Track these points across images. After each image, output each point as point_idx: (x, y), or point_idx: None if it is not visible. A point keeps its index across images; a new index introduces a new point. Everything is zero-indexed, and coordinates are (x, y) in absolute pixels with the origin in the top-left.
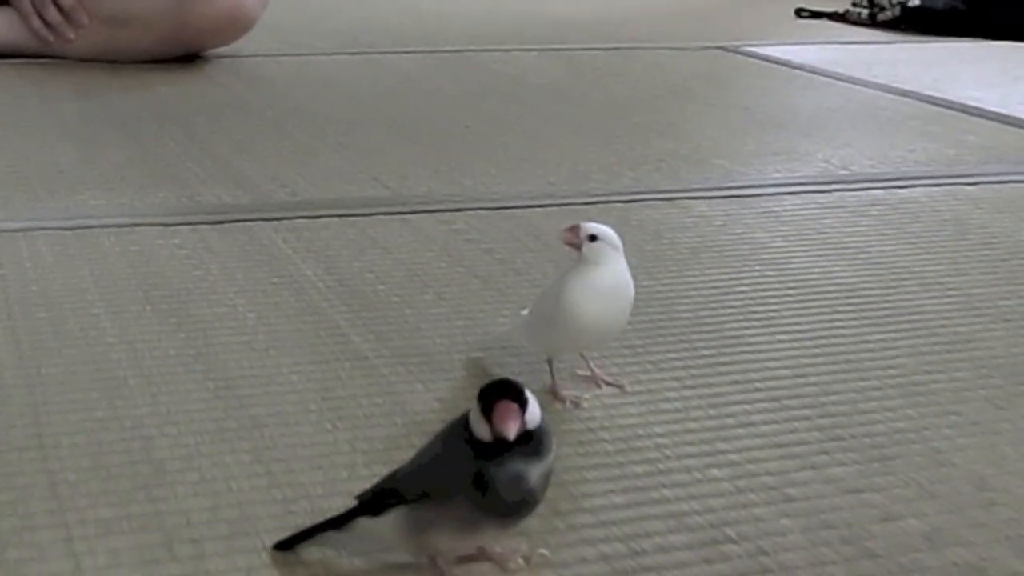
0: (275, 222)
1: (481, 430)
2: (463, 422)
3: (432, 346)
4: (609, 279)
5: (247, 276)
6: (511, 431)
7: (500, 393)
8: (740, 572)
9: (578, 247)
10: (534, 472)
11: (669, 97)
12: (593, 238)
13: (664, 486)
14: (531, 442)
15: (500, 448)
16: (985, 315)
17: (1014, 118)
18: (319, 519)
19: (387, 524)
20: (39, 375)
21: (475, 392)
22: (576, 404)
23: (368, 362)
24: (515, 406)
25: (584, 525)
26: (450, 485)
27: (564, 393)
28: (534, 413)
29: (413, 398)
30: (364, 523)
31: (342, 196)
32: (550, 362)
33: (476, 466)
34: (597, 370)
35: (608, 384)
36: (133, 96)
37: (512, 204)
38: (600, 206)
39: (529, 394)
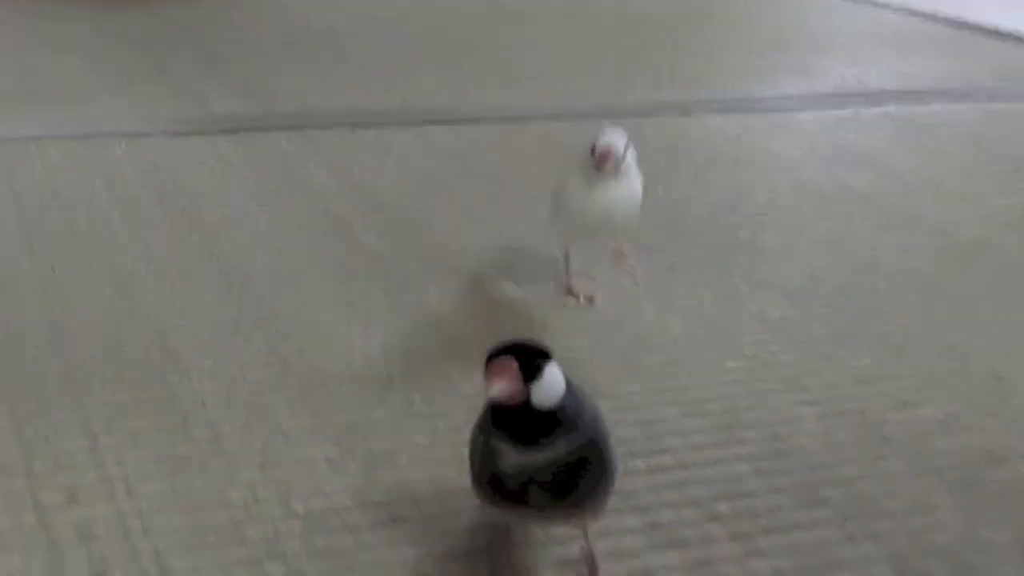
0: (287, 132)
1: (490, 388)
2: None
3: (445, 247)
4: (629, 188)
5: (260, 183)
6: (493, 388)
7: (502, 351)
8: (755, 455)
9: (617, 171)
10: (527, 459)
11: (684, 16)
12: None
13: (679, 376)
14: (536, 421)
15: (496, 415)
16: (1000, 222)
17: None
18: (337, 405)
19: None
20: (52, 273)
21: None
22: (590, 300)
23: (382, 261)
24: (512, 364)
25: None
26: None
27: (578, 288)
28: (551, 389)
29: (428, 295)
30: None
31: (354, 107)
32: (566, 258)
33: (482, 435)
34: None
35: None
36: (145, 13)
37: (524, 115)
38: (616, 119)
39: (553, 368)
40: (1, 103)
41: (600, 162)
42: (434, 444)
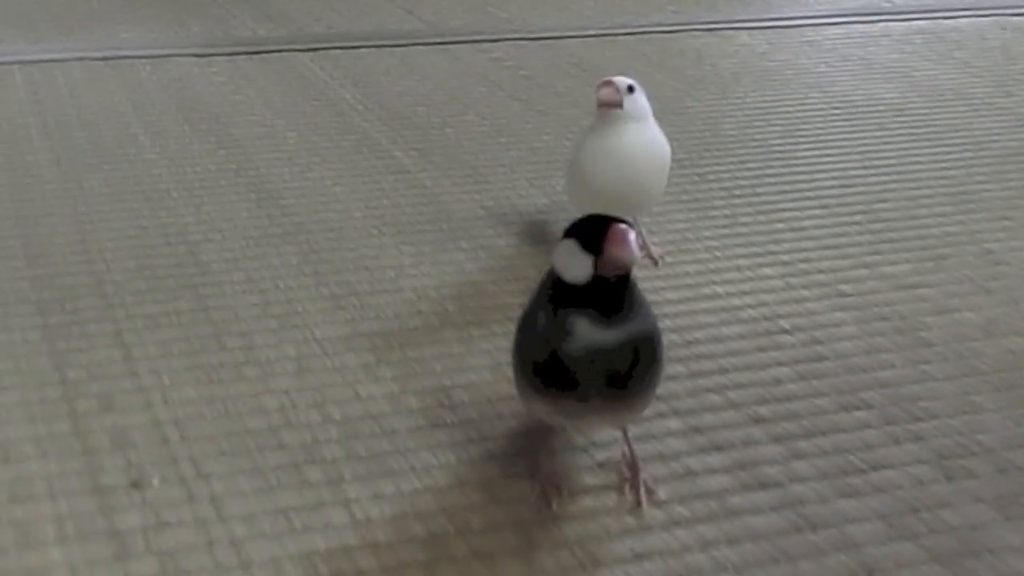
0: (311, 52)
1: (576, 268)
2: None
3: (475, 160)
4: (645, 134)
5: (285, 100)
6: (630, 253)
7: (608, 220)
8: (794, 359)
9: (619, 105)
10: (601, 335)
11: None
12: (631, 89)
13: (716, 283)
14: (612, 295)
15: (601, 287)
16: None
17: None
18: (371, 315)
19: None
20: (80, 188)
21: (521, 200)
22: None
23: (411, 175)
24: (632, 232)
25: None
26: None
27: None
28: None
29: (458, 206)
30: None
31: (378, 28)
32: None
33: (555, 308)
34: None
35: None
36: None
37: (551, 35)
38: (640, 36)
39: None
40: (25, 27)
41: (602, 97)
42: (470, 352)
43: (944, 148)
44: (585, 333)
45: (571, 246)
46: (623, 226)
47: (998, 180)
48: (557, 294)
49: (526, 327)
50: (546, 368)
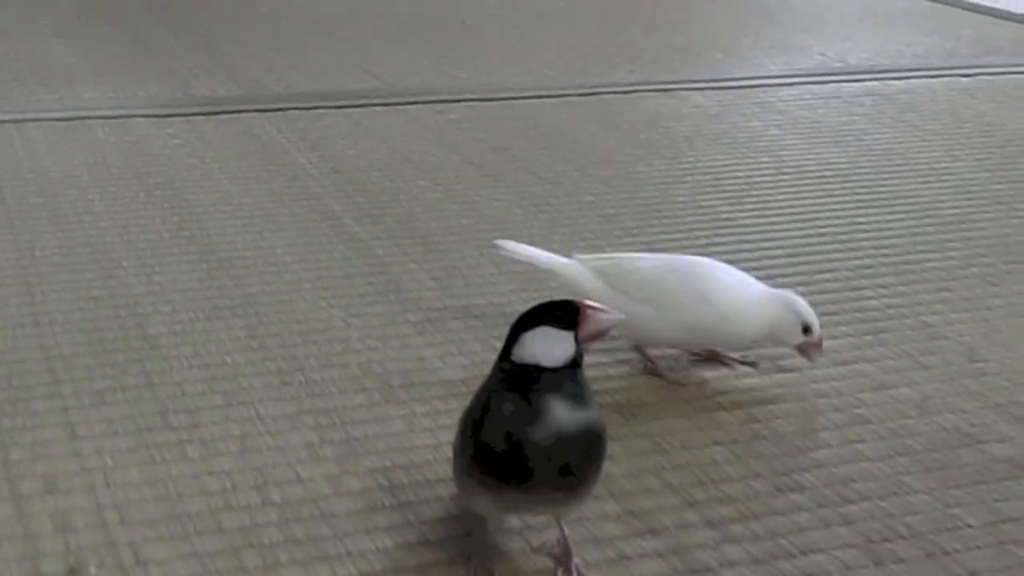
0: (269, 113)
1: (558, 349)
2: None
3: (427, 228)
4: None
5: (241, 164)
6: (610, 317)
7: (565, 300)
8: (732, 438)
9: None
10: (576, 421)
11: None
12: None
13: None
14: (579, 382)
15: (567, 377)
16: (978, 198)
17: (1008, 12)
18: (316, 391)
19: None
20: (33, 256)
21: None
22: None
23: (363, 244)
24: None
25: None
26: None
27: (669, 372)
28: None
29: (408, 277)
30: None
31: (337, 88)
32: (643, 348)
33: (534, 397)
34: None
35: (740, 363)
36: None
37: (508, 95)
38: (597, 97)
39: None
40: None
41: (816, 352)
42: (412, 430)
43: (888, 215)
44: (561, 416)
45: (545, 331)
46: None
47: (939, 249)
48: (523, 382)
49: (479, 420)
50: (500, 459)
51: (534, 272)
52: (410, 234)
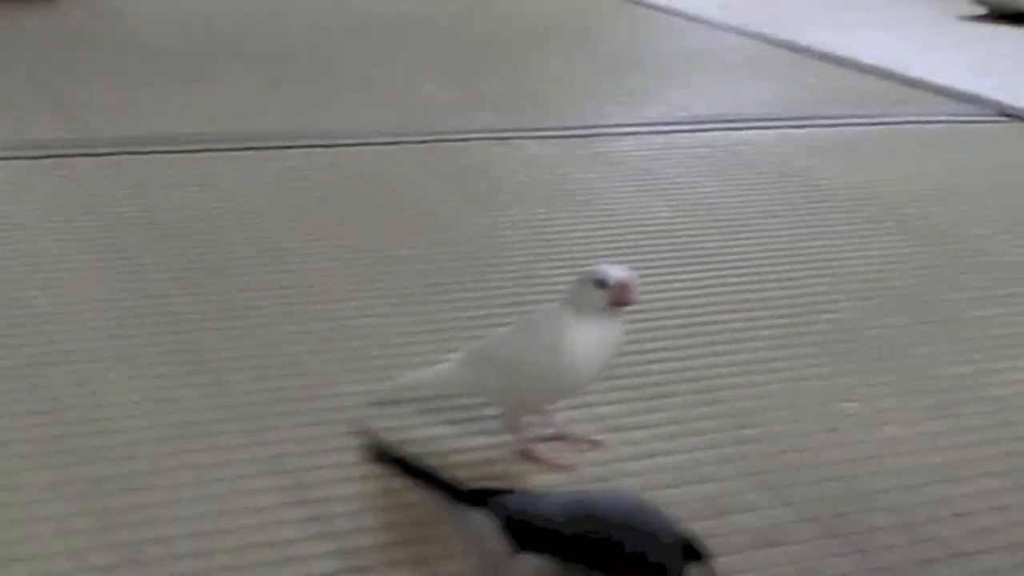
0: (99, 158)
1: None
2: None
3: (231, 285)
4: (608, 322)
5: (58, 212)
6: None
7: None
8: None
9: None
10: None
11: (529, 37)
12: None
13: (440, 423)
14: None
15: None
16: (786, 257)
17: (856, 62)
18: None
19: (519, 561)
20: None
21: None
22: (569, 468)
23: (164, 300)
24: None
25: (351, 463)
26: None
27: (546, 454)
28: None
29: (204, 337)
30: (488, 530)
31: (175, 132)
32: (517, 421)
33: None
34: (571, 428)
35: (585, 441)
36: None
37: (346, 142)
38: (434, 145)
39: None
40: None
41: (623, 297)
42: (170, 502)
43: (696, 272)
44: None
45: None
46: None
47: (736, 310)
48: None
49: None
50: None
51: (336, 334)
52: (216, 290)
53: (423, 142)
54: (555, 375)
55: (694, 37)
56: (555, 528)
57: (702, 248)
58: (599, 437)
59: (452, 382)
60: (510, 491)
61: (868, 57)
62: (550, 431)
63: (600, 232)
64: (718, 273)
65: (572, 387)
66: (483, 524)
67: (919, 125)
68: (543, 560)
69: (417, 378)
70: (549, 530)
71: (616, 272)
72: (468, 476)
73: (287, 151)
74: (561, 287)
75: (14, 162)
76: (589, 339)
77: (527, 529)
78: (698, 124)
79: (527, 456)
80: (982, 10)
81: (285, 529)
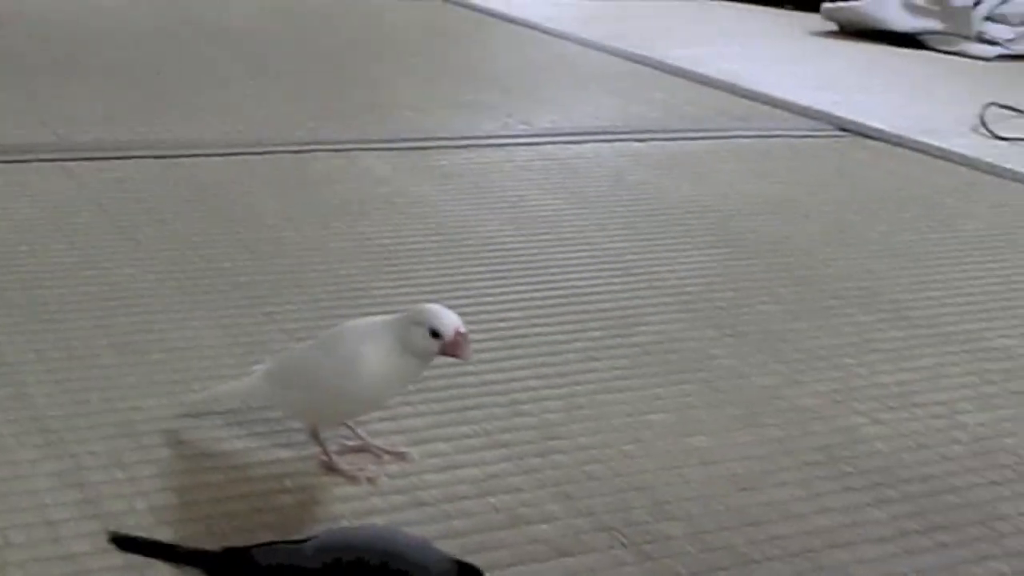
0: None
1: None
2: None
3: (42, 297)
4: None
5: None
6: None
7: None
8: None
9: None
10: None
11: (378, 50)
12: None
13: (239, 437)
14: None
15: None
16: (610, 270)
17: (704, 76)
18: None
19: None
20: None
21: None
22: (371, 480)
23: None
24: None
25: (145, 476)
26: None
27: (346, 467)
28: None
29: (8, 346)
30: None
31: (1, 142)
32: (317, 434)
33: None
34: (371, 439)
35: (390, 453)
36: None
37: (180, 153)
38: (268, 156)
39: None
40: None
41: (456, 352)
42: None
43: (518, 285)
44: None
45: None
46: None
47: (552, 323)
48: None
49: None
50: None
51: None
52: (28, 302)
53: (259, 154)
54: (350, 394)
55: (546, 50)
56: (302, 564)
57: (528, 260)
58: (404, 450)
59: (254, 394)
60: (268, 544)
61: (717, 72)
62: (354, 443)
63: (428, 246)
64: (540, 285)
65: (369, 406)
66: None
67: (759, 139)
68: None
69: (221, 390)
70: (299, 568)
71: (451, 323)
72: (273, 488)
73: (119, 162)
74: (381, 301)
75: None
76: (389, 370)
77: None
78: (537, 137)
79: (329, 469)
80: (833, 26)
81: (77, 543)
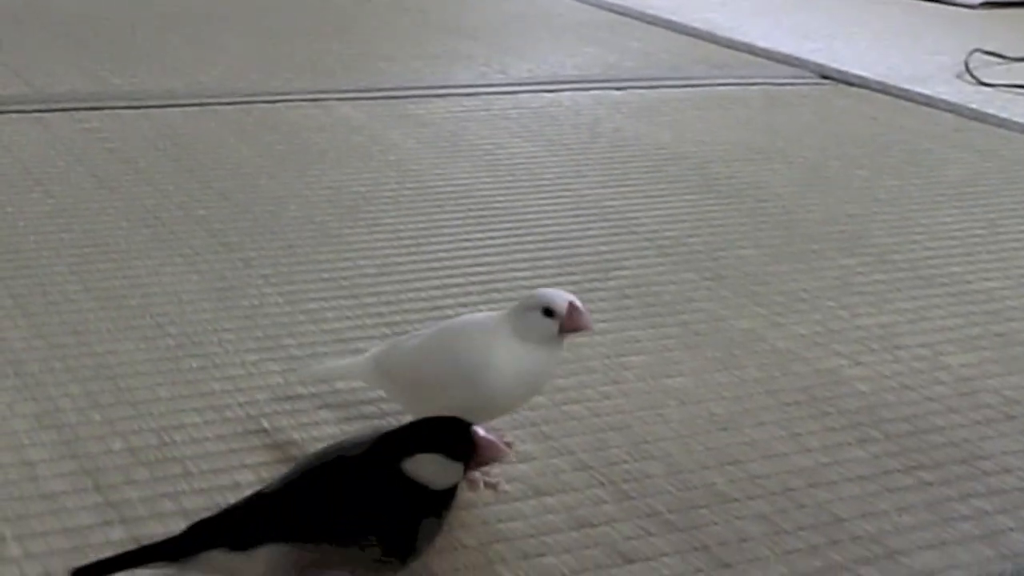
0: None
1: (444, 477)
2: (376, 463)
3: (16, 244)
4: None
5: None
6: (501, 451)
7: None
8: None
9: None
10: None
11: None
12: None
13: (213, 381)
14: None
15: (449, 497)
16: (587, 216)
17: (682, 25)
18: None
19: (254, 561)
20: None
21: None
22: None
23: None
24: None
25: (122, 418)
26: (373, 533)
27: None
28: None
29: None
30: (217, 557)
31: None
32: None
33: (415, 517)
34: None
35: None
36: None
37: (153, 103)
38: (243, 106)
39: None
40: None
41: (575, 323)
42: None
43: (492, 232)
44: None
45: (440, 459)
46: (479, 430)
47: (532, 268)
48: (411, 499)
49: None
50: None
51: (122, 292)
52: (3, 249)
53: (233, 103)
54: (483, 401)
55: (523, 1)
56: (255, 504)
57: (502, 207)
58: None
59: (365, 378)
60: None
61: (695, 21)
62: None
63: (404, 193)
64: (518, 231)
65: (501, 412)
66: (208, 559)
67: (739, 87)
68: (274, 549)
69: (340, 366)
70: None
71: (561, 297)
72: (250, 429)
73: (91, 112)
74: (354, 249)
75: None
76: (520, 368)
77: (231, 524)
78: (512, 86)
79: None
80: None
81: (54, 482)
